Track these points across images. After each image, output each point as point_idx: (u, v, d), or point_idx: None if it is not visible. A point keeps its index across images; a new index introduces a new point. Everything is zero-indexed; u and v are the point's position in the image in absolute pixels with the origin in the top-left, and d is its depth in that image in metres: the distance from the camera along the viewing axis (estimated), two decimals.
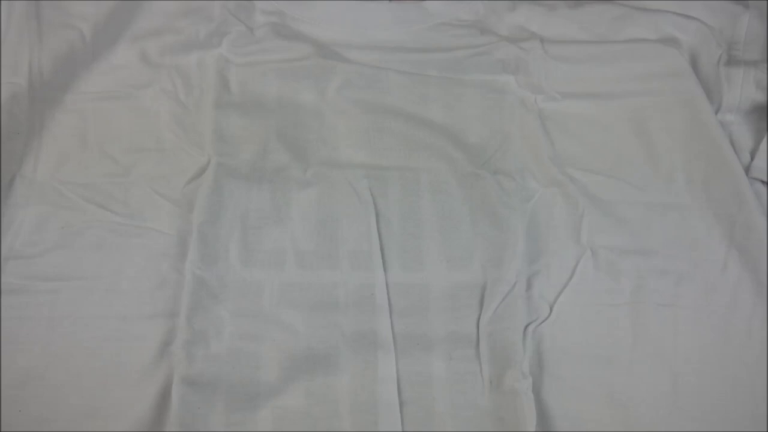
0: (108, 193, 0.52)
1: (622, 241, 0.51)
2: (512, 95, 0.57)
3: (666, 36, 0.59)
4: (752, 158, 0.55)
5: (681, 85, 0.57)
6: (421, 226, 0.51)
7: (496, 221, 0.51)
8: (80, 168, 0.53)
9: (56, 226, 0.50)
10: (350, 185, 0.52)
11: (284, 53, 0.57)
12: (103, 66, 0.56)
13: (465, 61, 0.58)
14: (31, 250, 0.49)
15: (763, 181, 0.54)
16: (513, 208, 0.52)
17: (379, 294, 0.49)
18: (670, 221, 0.52)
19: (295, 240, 0.50)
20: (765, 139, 0.55)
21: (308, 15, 0.60)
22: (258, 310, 0.48)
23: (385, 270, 0.50)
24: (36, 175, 0.52)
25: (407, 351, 0.47)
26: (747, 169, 0.54)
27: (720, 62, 0.58)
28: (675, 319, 0.49)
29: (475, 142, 0.55)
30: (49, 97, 0.54)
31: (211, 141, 0.53)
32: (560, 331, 0.48)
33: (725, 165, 0.54)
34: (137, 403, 0.45)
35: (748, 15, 0.59)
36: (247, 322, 0.47)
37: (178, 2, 0.59)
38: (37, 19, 0.56)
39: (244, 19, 0.59)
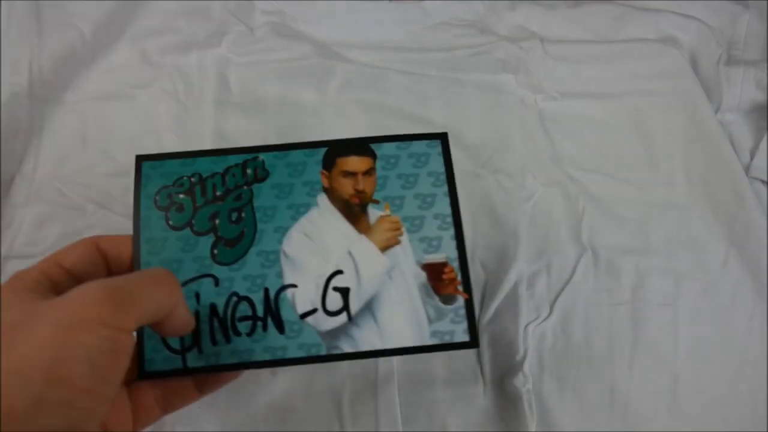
0: (108, 193, 0.52)
1: (622, 241, 0.51)
2: (512, 95, 0.57)
3: (666, 36, 0.59)
4: (752, 158, 0.55)
5: (681, 85, 0.57)
6: None
7: (496, 221, 0.51)
8: (80, 168, 0.53)
9: (56, 226, 0.50)
10: None
11: (284, 53, 0.57)
12: (103, 66, 0.56)
13: (465, 60, 0.58)
14: (31, 250, 0.49)
15: (763, 181, 0.54)
16: (513, 208, 0.52)
17: None
18: (670, 221, 0.52)
19: None
20: (765, 139, 0.55)
21: (308, 15, 0.60)
22: None
23: None
24: (36, 175, 0.52)
25: None
26: (747, 169, 0.54)
27: (720, 62, 0.58)
28: (675, 319, 0.49)
29: (475, 142, 0.55)
30: (49, 97, 0.54)
31: (211, 141, 0.53)
32: (560, 330, 0.48)
33: (725, 165, 0.54)
34: None
35: (748, 15, 0.59)
36: None
37: (178, 2, 0.59)
38: (37, 19, 0.56)
39: (244, 19, 0.59)
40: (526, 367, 0.46)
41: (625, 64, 0.58)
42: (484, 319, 0.48)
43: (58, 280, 0.30)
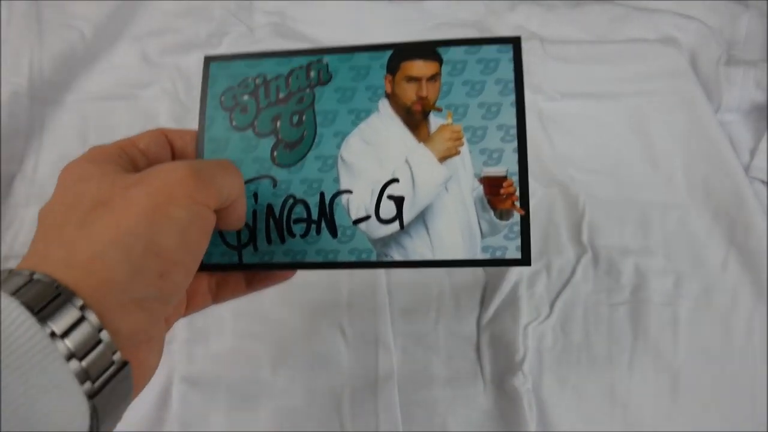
0: None
1: (622, 241, 0.51)
2: None
3: (666, 36, 0.59)
4: (752, 158, 0.55)
5: (681, 85, 0.57)
6: None
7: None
8: None
9: None
10: None
11: None
12: (103, 66, 0.56)
13: None
14: None
15: (763, 181, 0.54)
16: None
17: (379, 293, 0.49)
18: (670, 221, 0.52)
19: None
20: (765, 139, 0.55)
21: (308, 15, 0.60)
22: (258, 309, 0.48)
23: (386, 269, 0.50)
24: (36, 174, 0.52)
25: (407, 350, 0.47)
26: (747, 169, 0.54)
27: (720, 62, 0.58)
28: (675, 319, 0.49)
29: None
30: (49, 97, 0.54)
31: None
32: (560, 330, 0.48)
33: (725, 165, 0.54)
34: (137, 403, 0.44)
35: (748, 15, 0.59)
36: (247, 321, 0.47)
37: (178, 2, 0.59)
38: (38, 19, 0.56)
39: (244, 19, 0.59)
40: (526, 367, 0.46)
41: (625, 64, 0.58)
42: (484, 319, 0.48)
43: (134, 157, 0.31)
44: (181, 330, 0.46)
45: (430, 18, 0.60)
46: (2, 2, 0.56)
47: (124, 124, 0.55)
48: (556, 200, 0.53)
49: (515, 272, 0.49)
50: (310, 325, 0.47)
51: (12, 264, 0.48)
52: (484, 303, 0.49)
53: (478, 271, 0.50)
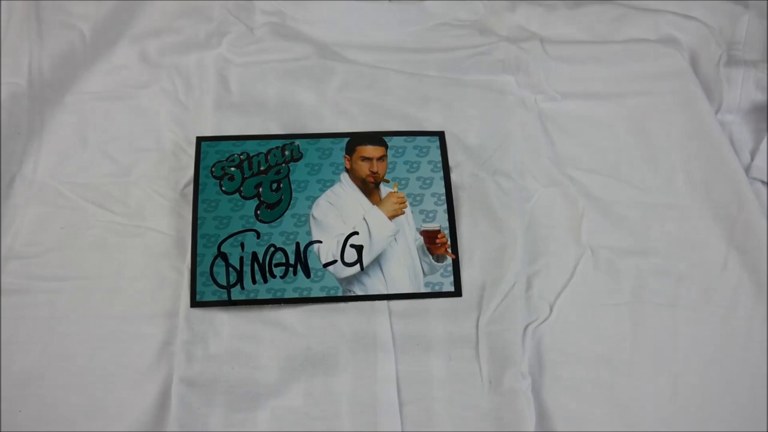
0: (108, 193, 0.52)
1: (622, 241, 0.51)
2: (512, 95, 0.57)
3: (666, 36, 0.59)
4: (752, 158, 0.55)
5: (681, 85, 0.57)
6: None
7: (496, 221, 0.51)
8: (80, 168, 0.53)
9: (56, 226, 0.50)
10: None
11: (284, 53, 0.57)
12: (103, 66, 0.56)
13: (465, 61, 0.58)
14: (31, 250, 0.49)
15: (763, 181, 0.54)
16: (512, 209, 0.52)
17: None
18: (670, 221, 0.52)
19: None
20: (765, 139, 0.55)
21: (308, 15, 0.60)
22: (257, 309, 0.48)
23: None
24: (36, 175, 0.52)
25: (406, 351, 0.47)
26: (747, 169, 0.54)
27: (720, 62, 0.58)
28: (675, 319, 0.49)
29: (474, 143, 0.55)
30: (49, 97, 0.54)
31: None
32: (560, 331, 0.48)
33: (725, 165, 0.54)
34: (137, 403, 0.45)
35: (748, 15, 0.59)
36: (246, 323, 0.47)
37: (178, 2, 0.59)
38: (37, 19, 0.56)
39: (244, 19, 0.59)
40: (526, 367, 0.46)
41: (625, 64, 0.58)
42: (483, 319, 0.48)
43: None
44: (179, 331, 0.46)
45: (430, 18, 0.60)
46: (2, 2, 0.56)
47: (123, 125, 0.54)
48: (556, 200, 0.53)
49: (514, 273, 0.49)
50: (309, 325, 0.47)
51: (12, 264, 0.48)
52: (482, 304, 0.49)
53: (476, 271, 0.50)
